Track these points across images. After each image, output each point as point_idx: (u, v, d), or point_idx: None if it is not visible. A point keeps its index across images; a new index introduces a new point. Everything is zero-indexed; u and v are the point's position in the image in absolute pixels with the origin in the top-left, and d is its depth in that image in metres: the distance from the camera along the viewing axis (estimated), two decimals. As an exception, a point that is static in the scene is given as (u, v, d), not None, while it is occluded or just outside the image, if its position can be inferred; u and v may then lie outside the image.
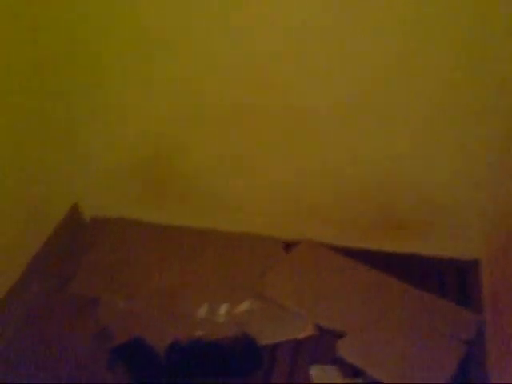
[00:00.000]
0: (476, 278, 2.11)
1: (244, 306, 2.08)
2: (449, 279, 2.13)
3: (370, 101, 1.85)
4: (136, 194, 2.40)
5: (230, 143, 2.10)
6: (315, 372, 1.85)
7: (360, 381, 1.79)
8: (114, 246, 2.39)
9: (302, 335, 1.97)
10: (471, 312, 1.97)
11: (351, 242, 2.25)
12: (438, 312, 1.98)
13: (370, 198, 2.11)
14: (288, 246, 2.29)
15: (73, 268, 2.30)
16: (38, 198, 2.17)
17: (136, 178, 2.33)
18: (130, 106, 2.10)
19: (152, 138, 2.19)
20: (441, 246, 2.18)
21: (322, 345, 1.93)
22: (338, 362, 1.86)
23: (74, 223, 2.43)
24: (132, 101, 2.08)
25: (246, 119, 2.01)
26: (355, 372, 1.83)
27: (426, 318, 1.96)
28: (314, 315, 2.01)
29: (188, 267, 2.25)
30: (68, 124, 2.19)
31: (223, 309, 2.08)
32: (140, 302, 2.14)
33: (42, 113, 2.12)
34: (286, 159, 2.09)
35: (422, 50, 1.69)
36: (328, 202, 2.18)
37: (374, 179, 2.05)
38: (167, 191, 2.34)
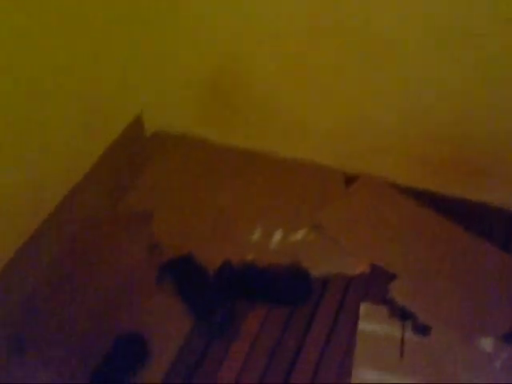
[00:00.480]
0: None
1: (298, 235, 2.05)
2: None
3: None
4: (201, 113, 2.36)
5: (303, 67, 2.01)
6: (364, 309, 1.84)
7: (409, 324, 1.77)
8: (173, 162, 2.38)
9: (354, 272, 1.94)
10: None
11: (414, 182, 2.17)
12: (497, 264, 1.92)
13: (440, 140, 2.01)
14: (350, 180, 2.22)
15: (130, 181, 2.31)
16: (102, 105, 2.15)
17: (202, 95, 2.28)
18: (205, 18, 2.03)
19: (223, 55, 2.12)
20: (507, 196, 2.08)
21: (374, 284, 1.90)
22: (389, 303, 1.84)
23: (136, 135, 2.42)
24: (207, 12, 2.01)
25: (322, 42, 1.91)
26: (404, 315, 1.80)
27: (484, 268, 1.90)
28: (369, 253, 1.98)
29: (246, 190, 2.22)
30: (139, 33, 2.14)
31: (277, 236, 2.06)
32: (194, 221, 2.14)
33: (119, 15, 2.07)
34: (360, 89, 2.00)
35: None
36: (395, 140, 2.09)
37: (447, 120, 1.95)
38: (233, 112, 2.29)
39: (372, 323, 1.80)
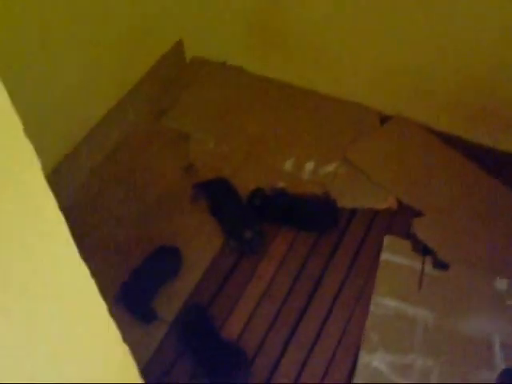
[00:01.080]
0: None
1: (330, 167, 2.12)
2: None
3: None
4: (241, 42, 2.40)
5: (348, 5, 2.03)
6: (387, 241, 1.92)
7: (429, 260, 1.85)
8: (211, 88, 2.43)
9: (380, 206, 2.02)
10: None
11: (447, 128, 2.20)
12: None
13: (476, 89, 2.04)
14: (384, 119, 2.27)
15: (169, 102, 2.37)
16: (146, 27, 2.20)
17: (244, 24, 2.31)
18: None
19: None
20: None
21: (399, 219, 1.98)
22: (412, 238, 1.92)
23: (176, 59, 2.47)
24: None
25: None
26: (425, 251, 1.88)
27: (508, 213, 1.97)
28: (396, 189, 2.05)
29: (282, 121, 2.28)
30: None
31: (309, 166, 2.13)
32: (229, 145, 2.21)
33: None
34: (403, 32, 2.02)
35: None
36: (433, 85, 2.12)
37: (485, 69, 1.98)
38: (273, 44, 2.32)
39: (394, 255, 1.89)
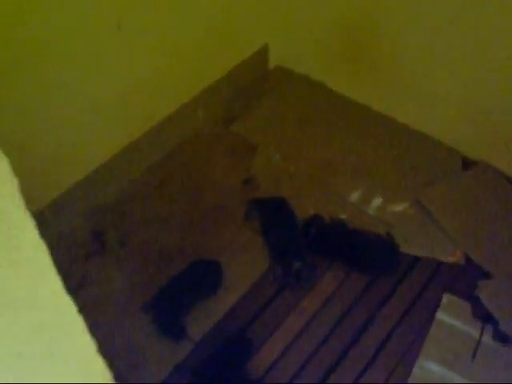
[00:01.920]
0: None
1: (399, 207, 1.96)
2: None
3: None
4: (329, 57, 2.26)
5: (446, 32, 1.86)
6: (447, 299, 1.75)
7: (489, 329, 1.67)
8: (289, 101, 2.31)
9: (446, 259, 1.84)
10: None
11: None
12: None
13: None
14: (467, 164, 2.08)
15: (242, 109, 2.27)
16: (231, 27, 2.10)
17: (335, 39, 2.18)
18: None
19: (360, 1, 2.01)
20: None
21: (464, 277, 1.80)
22: (473, 301, 1.73)
23: (259, 65, 2.36)
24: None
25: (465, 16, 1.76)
26: (487, 318, 1.69)
27: None
28: (467, 244, 1.86)
29: (356, 147, 2.13)
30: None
31: (376, 202, 1.98)
32: (296, 164, 2.09)
33: None
34: (493, 76, 1.84)
35: None
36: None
37: None
38: (362, 64, 2.18)
39: (451, 316, 1.71)
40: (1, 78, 1.43)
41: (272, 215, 1.91)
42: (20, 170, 1.49)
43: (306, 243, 1.84)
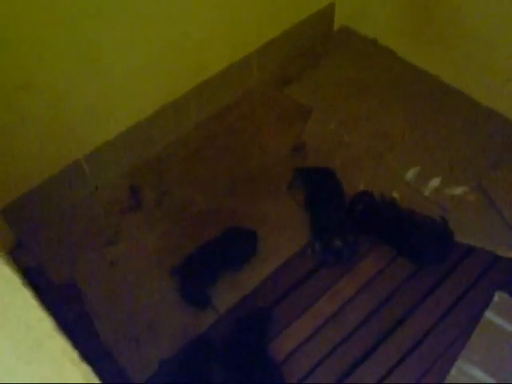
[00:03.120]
0: None
1: (458, 190, 1.79)
2: None
3: None
4: (400, 22, 2.08)
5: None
6: (499, 298, 1.58)
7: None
8: (351, 65, 2.15)
9: (505, 253, 1.66)
10: None
11: None
12: None
13: None
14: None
15: (300, 70, 2.13)
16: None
17: (407, 3, 1.98)
18: None
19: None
20: None
21: (522, 276, 1.62)
22: (530, 303, 1.56)
23: (323, 24, 2.20)
24: None
25: None
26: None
27: None
28: (531, 239, 1.67)
29: (419, 121, 1.96)
30: None
31: (434, 182, 1.81)
32: (351, 134, 1.94)
33: None
34: None
35: None
36: None
37: None
38: (434, 32, 1.98)
39: (501, 317, 1.55)
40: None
41: (318, 187, 1.78)
42: (58, 118, 1.44)
43: (351, 220, 1.71)
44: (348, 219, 1.71)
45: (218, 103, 1.98)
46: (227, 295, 1.60)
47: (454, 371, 1.46)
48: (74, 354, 0.63)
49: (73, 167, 1.73)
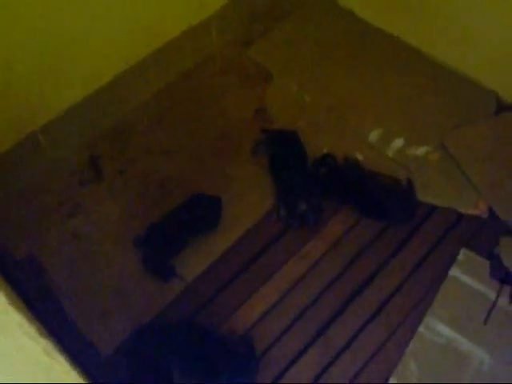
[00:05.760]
0: None
1: (421, 150, 1.79)
2: None
3: None
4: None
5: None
6: (463, 255, 1.60)
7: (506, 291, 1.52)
8: (311, 26, 2.11)
9: (468, 210, 1.68)
10: None
11: None
12: None
13: None
14: (502, 108, 1.86)
15: (260, 33, 2.08)
16: None
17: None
18: None
19: None
20: None
21: (485, 232, 1.64)
22: (493, 260, 1.58)
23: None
24: None
25: None
26: (506, 279, 1.54)
27: None
28: (492, 196, 1.69)
29: (381, 82, 1.95)
30: None
31: (397, 143, 1.81)
32: (312, 96, 1.92)
33: None
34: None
35: None
36: None
37: None
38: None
39: (466, 274, 1.57)
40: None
41: (281, 150, 1.76)
42: (9, 89, 1.37)
43: (316, 184, 1.69)
44: (312, 182, 1.69)
45: (177, 69, 1.93)
46: (194, 264, 1.58)
47: (421, 328, 1.48)
48: (31, 329, 0.60)
49: (28, 140, 1.67)
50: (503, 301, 1.51)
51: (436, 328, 1.48)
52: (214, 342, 1.40)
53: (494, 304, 1.51)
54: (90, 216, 1.67)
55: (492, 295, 1.53)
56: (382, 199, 1.68)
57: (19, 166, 1.69)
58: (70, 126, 1.74)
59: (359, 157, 1.77)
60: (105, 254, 1.60)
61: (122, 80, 1.78)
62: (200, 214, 1.63)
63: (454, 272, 1.57)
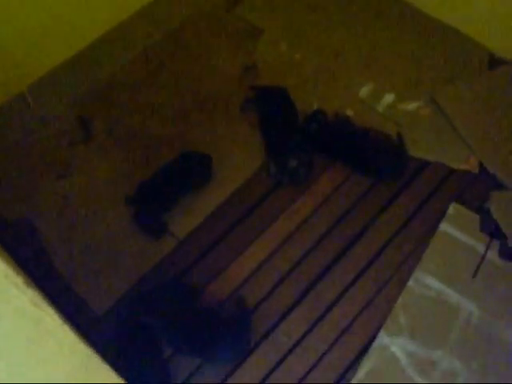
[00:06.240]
0: None
1: (412, 105, 1.78)
2: None
3: None
4: None
5: None
6: (453, 209, 1.60)
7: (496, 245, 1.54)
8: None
9: (458, 165, 1.68)
10: None
11: None
12: None
13: None
14: (495, 63, 1.85)
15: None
16: None
17: None
18: None
19: None
20: None
21: (475, 187, 1.65)
22: (483, 214, 1.59)
23: None
24: None
25: None
26: (495, 233, 1.55)
27: None
28: (483, 151, 1.69)
29: (372, 37, 1.93)
30: None
31: (388, 98, 1.80)
32: (303, 53, 1.90)
33: None
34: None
35: None
36: None
37: None
38: None
39: (456, 228, 1.58)
40: None
41: (271, 107, 1.74)
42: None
43: (306, 140, 1.69)
44: (302, 139, 1.69)
45: (165, 26, 1.90)
46: (185, 221, 1.58)
47: (411, 282, 1.49)
48: (17, 279, 0.60)
49: (16, 100, 1.65)
50: (492, 254, 1.52)
51: (425, 281, 1.50)
52: (204, 311, 1.42)
53: (483, 257, 1.52)
54: (80, 176, 1.67)
55: (481, 249, 1.54)
56: (372, 155, 1.67)
57: (8, 126, 1.68)
58: (58, 85, 1.72)
59: (350, 113, 1.76)
60: (95, 214, 1.60)
61: (109, 38, 1.76)
62: (190, 172, 1.62)
63: (444, 226, 1.58)
